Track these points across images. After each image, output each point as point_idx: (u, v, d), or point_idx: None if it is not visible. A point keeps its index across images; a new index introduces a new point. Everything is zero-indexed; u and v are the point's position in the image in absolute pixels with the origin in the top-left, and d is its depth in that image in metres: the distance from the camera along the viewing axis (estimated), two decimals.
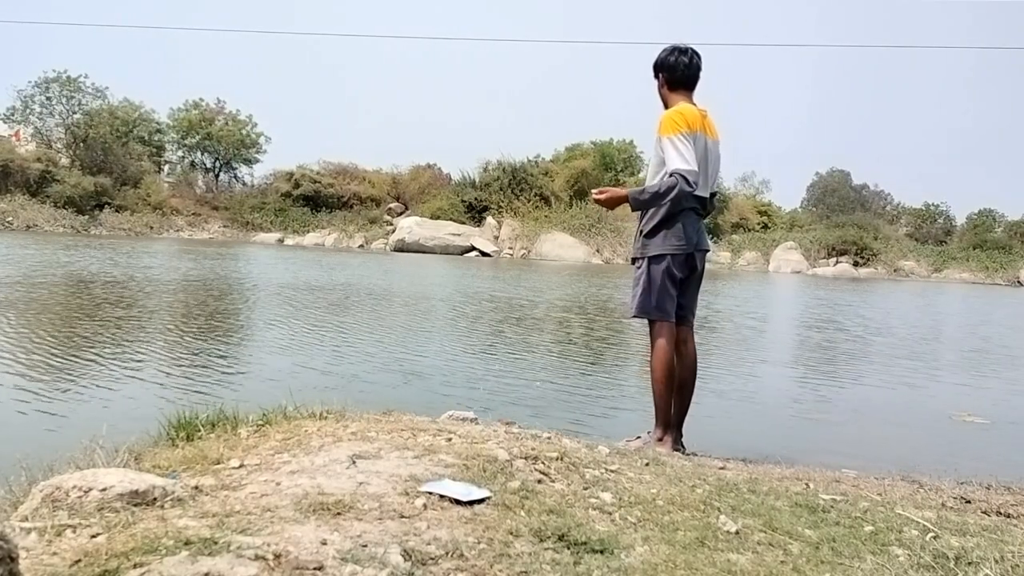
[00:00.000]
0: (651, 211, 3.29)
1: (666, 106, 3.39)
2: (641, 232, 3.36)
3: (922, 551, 1.89)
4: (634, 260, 3.44)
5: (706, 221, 3.51)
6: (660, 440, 3.29)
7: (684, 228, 3.27)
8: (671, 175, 3.13)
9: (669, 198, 3.15)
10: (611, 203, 3.35)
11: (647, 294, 3.30)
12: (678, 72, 3.35)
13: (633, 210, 3.33)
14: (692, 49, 3.36)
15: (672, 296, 3.30)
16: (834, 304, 15.35)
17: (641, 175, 38.60)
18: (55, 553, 1.43)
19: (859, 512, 2.23)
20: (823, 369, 7.20)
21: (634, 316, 3.37)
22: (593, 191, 3.42)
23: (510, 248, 30.84)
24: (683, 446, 3.35)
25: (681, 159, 3.13)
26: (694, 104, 3.34)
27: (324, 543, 1.53)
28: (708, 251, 3.45)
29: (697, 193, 3.21)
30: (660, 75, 3.41)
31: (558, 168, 35.88)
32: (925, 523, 2.14)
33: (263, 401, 3.03)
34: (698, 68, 3.37)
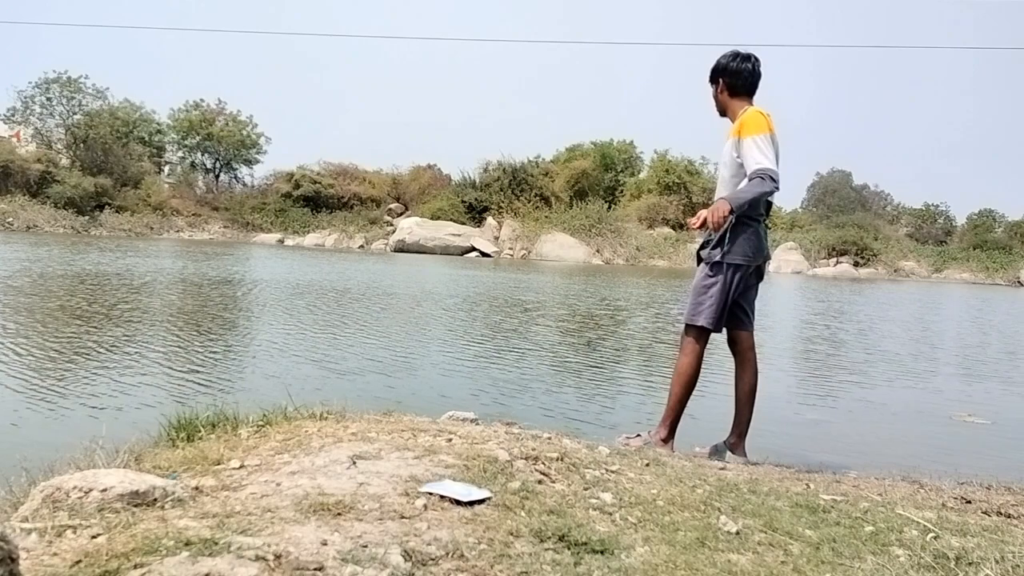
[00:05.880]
0: (731, 218, 3.22)
1: (723, 111, 3.41)
2: (723, 238, 3.26)
3: (922, 551, 1.89)
4: (707, 263, 3.32)
5: None
6: (663, 441, 3.29)
7: (759, 237, 3.28)
8: (761, 175, 3.11)
9: (763, 194, 3.14)
10: (718, 222, 3.16)
11: (718, 304, 3.26)
12: (742, 78, 3.34)
13: (737, 214, 3.19)
14: (754, 55, 3.36)
15: (728, 308, 3.31)
16: (834, 304, 15.35)
17: (642, 175, 38.59)
18: (55, 554, 1.43)
19: (859, 512, 2.22)
20: (823, 369, 7.20)
21: (701, 326, 3.28)
22: (691, 221, 3.26)
23: (510, 249, 30.84)
24: (746, 454, 3.30)
25: (767, 159, 3.13)
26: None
27: (324, 544, 1.53)
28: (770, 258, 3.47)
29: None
30: (720, 80, 3.39)
31: (558, 168, 35.90)
32: (925, 523, 2.14)
33: (263, 401, 3.03)
34: (759, 75, 3.37)
